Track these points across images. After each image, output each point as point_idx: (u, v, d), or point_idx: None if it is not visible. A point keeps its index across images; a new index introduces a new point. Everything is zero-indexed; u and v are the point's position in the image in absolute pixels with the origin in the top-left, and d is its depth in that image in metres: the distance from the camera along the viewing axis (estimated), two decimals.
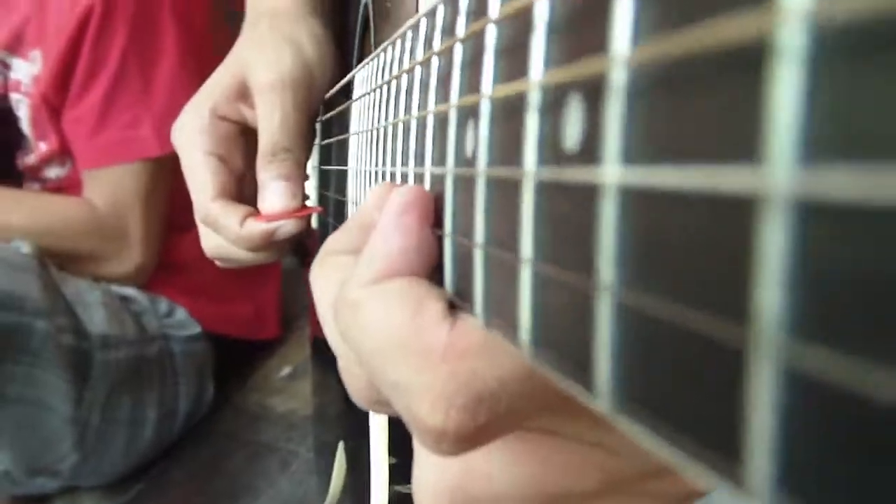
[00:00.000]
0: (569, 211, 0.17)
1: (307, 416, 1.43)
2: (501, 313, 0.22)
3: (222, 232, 0.65)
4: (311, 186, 0.89)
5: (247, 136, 0.68)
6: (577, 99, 0.17)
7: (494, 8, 0.23)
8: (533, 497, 0.28)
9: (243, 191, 0.68)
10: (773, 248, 0.10)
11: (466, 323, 0.26)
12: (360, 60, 0.73)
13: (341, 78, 0.69)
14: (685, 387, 0.13)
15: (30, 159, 1.54)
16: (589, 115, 0.16)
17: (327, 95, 0.72)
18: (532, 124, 0.20)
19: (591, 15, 0.16)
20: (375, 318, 0.27)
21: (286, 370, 1.59)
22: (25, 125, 1.53)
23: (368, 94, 0.49)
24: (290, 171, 0.64)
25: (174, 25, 1.43)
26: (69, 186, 1.50)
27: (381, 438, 0.59)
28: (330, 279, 0.34)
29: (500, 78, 0.23)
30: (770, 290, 0.10)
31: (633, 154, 0.14)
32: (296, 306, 1.64)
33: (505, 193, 0.22)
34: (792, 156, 0.10)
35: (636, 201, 0.14)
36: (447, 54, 0.29)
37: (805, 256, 0.10)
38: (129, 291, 1.45)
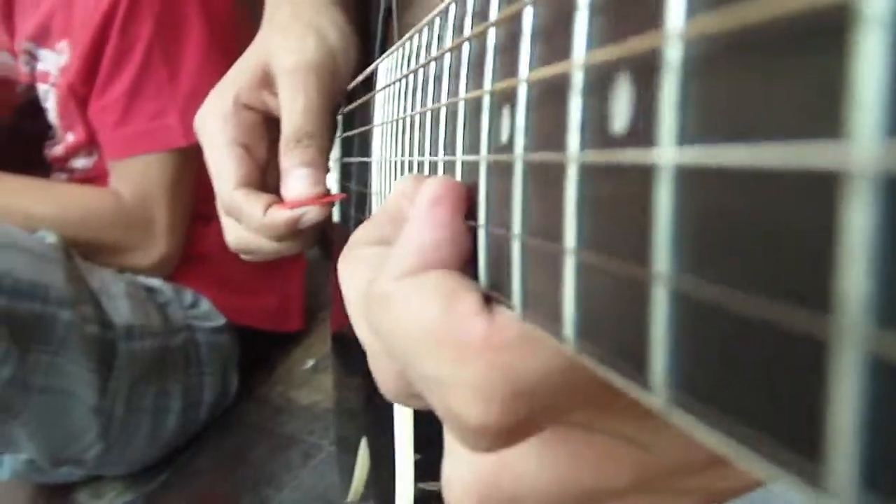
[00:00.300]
0: (618, 195, 0.16)
1: (330, 409, 1.43)
2: (541, 305, 0.22)
3: (245, 221, 0.64)
4: (332, 179, 0.89)
5: (270, 124, 0.68)
6: (625, 79, 0.16)
7: None
8: (565, 492, 0.28)
9: (267, 180, 0.67)
10: (859, 228, 0.10)
11: (503, 315, 0.25)
12: (382, 50, 0.73)
13: (363, 67, 0.68)
14: (756, 380, 0.12)
15: (57, 150, 1.55)
16: (640, 96, 0.16)
17: (349, 87, 0.71)
18: (575, 107, 0.19)
19: None
20: (408, 311, 0.26)
21: (310, 362, 1.59)
22: (53, 116, 1.53)
23: (393, 84, 0.48)
24: (314, 157, 0.64)
25: (199, 15, 1.43)
26: (96, 177, 1.50)
27: (406, 435, 0.58)
28: (358, 270, 0.33)
29: (538, 61, 0.22)
30: (856, 275, 0.10)
31: (692, 134, 0.14)
32: (320, 298, 1.64)
33: (545, 180, 0.21)
34: (878, 129, 0.09)
35: (697, 183, 0.13)
36: (480, 39, 0.28)
37: (893, 237, 0.09)
38: (154, 282, 1.46)
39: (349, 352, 0.89)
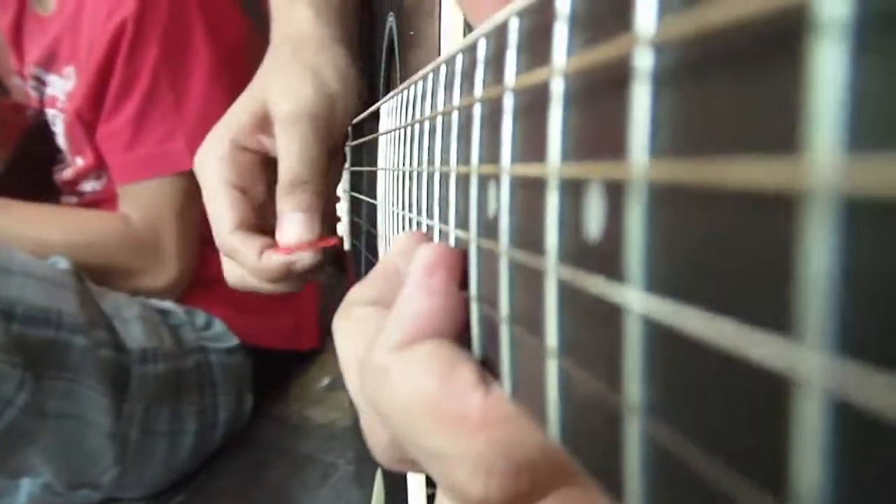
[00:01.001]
0: (592, 318, 0.16)
1: (347, 427, 1.43)
2: (529, 397, 0.21)
3: (241, 263, 0.65)
4: (342, 210, 0.89)
5: (268, 165, 0.68)
6: (597, 192, 0.16)
7: (511, 72, 0.22)
8: None
9: (265, 220, 0.67)
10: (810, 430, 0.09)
11: (499, 388, 0.25)
12: (386, 86, 0.73)
13: (366, 103, 0.68)
14: None
15: (66, 174, 1.55)
16: (610, 209, 0.15)
17: (356, 120, 0.71)
18: (553, 204, 0.18)
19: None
20: (405, 384, 0.26)
21: (326, 380, 1.58)
22: (61, 140, 1.54)
23: (394, 130, 0.48)
24: (309, 202, 0.64)
25: (206, 39, 1.43)
26: (105, 200, 1.50)
27: None
28: (352, 330, 0.34)
29: (518, 146, 0.22)
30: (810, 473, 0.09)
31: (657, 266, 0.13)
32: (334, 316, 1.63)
33: (528, 276, 0.20)
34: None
35: (667, 337, 0.13)
36: (466, 109, 0.27)
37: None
38: (167, 305, 1.45)
39: None
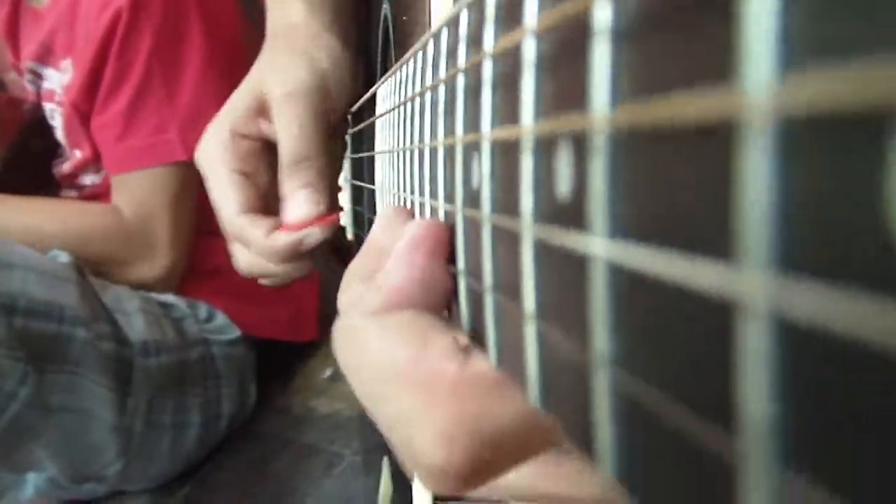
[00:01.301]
0: (562, 269, 0.16)
1: (351, 417, 1.43)
2: (511, 364, 0.21)
3: (250, 246, 0.65)
4: (344, 199, 0.89)
5: (270, 151, 0.68)
6: (566, 148, 0.16)
7: (489, 40, 0.22)
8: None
9: (269, 207, 0.67)
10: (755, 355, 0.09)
11: (479, 361, 0.25)
12: (383, 73, 0.73)
13: (363, 91, 0.68)
14: (679, 481, 0.12)
15: (65, 167, 1.55)
16: (577, 164, 0.15)
17: (354, 108, 0.71)
18: (527, 166, 0.18)
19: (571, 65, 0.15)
20: (375, 347, 0.27)
21: (328, 371, 1.59)
22: (60, 134, 1.54)
23: (388, 112, 0.48)
24: (312, 179, 0.64)
25: (201, 32, 1.43)
26: (105, 193, 1.50)
27: None
28: (344, 305, 0.34)
29: (496, 115, 0.22)
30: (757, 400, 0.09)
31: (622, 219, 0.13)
32: (336, 306, 1.63)
33: (507, 241, 0.21)
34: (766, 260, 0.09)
35: (628, 280, 0.13)
36: (450, 83, 0.28)
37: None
38: (168, 298, 1.46)
39: None
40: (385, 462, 0.81)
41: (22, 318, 1.18)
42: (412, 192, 0.38)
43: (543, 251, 0.17)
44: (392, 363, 0.25)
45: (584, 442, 0.15)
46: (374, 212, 0.69)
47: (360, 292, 0.32)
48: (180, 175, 1.41)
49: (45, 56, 1.51)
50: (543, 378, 0.18)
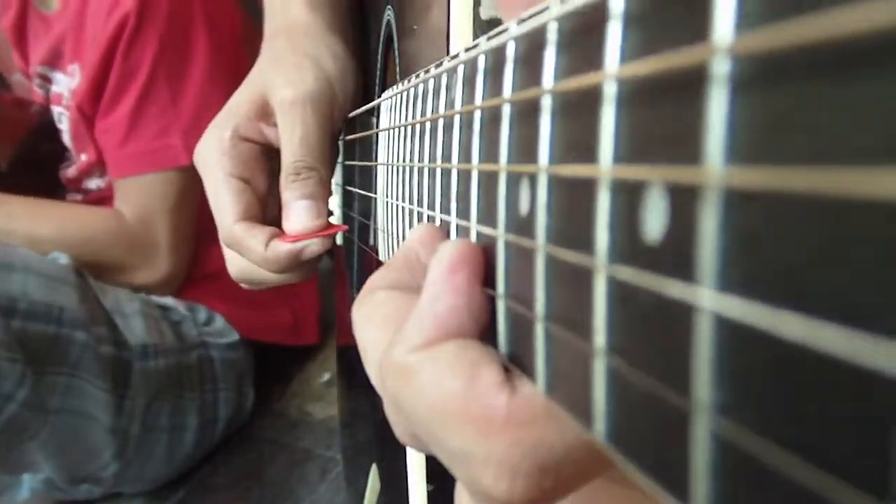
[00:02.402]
0: (650, 317, 0.16)
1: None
2: (569, 395, 0.21)
3: (247, 254, 0.64)
4: (334, 203, 0.89)
5: (270, 156, 0.67)
6: (660, 195, 0.16)
7: (549, 72, 0.22)
8: None
9: (267, 212, 0.67)
10: None
11: (526, 388, 0.25)
12: (382, 79, 0.73)
13: (362, 94, 0.68)
14: None
15: (71, 171, 1.55)
16: (676, 211, 0.15)
17: (350, 115, 0.71)
18: (604, 205, 0.18)
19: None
20: (429, 385, 0.26)
21: (326, 376, 1.59)
22: (67, 138, 1.54)
23: (399, 127, 0.48)
24: (314, 189, 0.63)
25: (205, 37, 1.43)
26: (109, 197, 1.50)
27: (419, 465, 0.58)
28: (374, 315, 0.33)
29: (560, 147, 0.22)
30: None
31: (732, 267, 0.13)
32: (334, 311, 1.63)
33: (571, 274, 0.20)
34: None
35: (740, 334, 0.13)
36: (494, 108, 0.27)
37: None
38: (168, 301, 1.46)
39: (357, 370, 0.89)
40: (373, 468, 0.81)
41: (21, 319, 1.17)
42: (430, 208, 0.38)
43: (622, 291, 0.17)
44: (444, 402, 0.25)
45: (674, 485, 0.15)
46: (365, 216, 0.69)
47: (389, 298, 0.32)
48: (183, 180, 1.41)
49: (54, 60, 1.52)
50: (614, 415, 0.18)
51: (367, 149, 0.69)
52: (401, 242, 0.48)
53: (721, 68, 0.13)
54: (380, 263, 0.53)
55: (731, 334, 0.13)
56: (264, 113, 0.67)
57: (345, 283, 0.92)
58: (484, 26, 0.47)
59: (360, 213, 0.73)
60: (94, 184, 1.55)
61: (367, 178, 0.67)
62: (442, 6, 0.50)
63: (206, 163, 0.67)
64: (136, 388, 1.32)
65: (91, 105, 1.44)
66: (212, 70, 1.43)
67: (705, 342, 0.14)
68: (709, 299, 0.13)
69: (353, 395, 0.93)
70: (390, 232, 0.52)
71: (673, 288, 0.15)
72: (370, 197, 0.64)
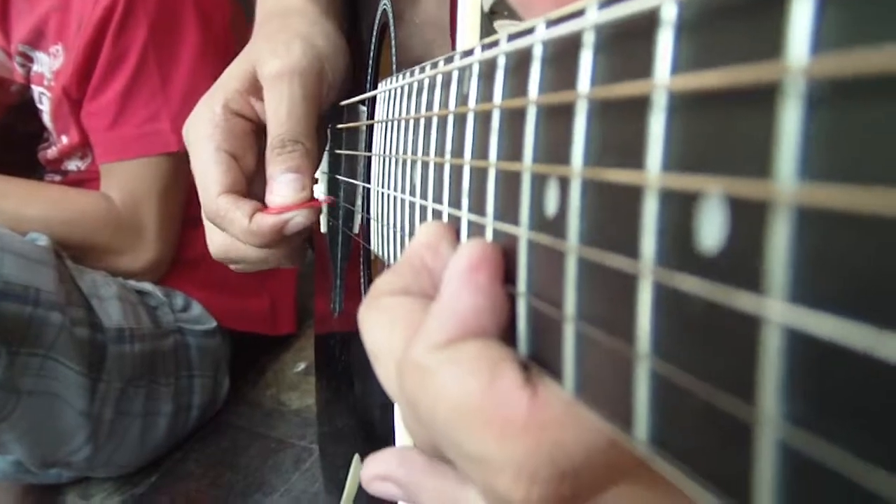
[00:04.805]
0: (704, 327, 0.16)
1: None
2: (602, 397, 0.21)
3: (230, 228, 0.63)
4: (319, 191, 0.88)
5: (259, 134, 0.67)
6: (719, 206, 0.16)
7: (585, 76, 0.22)
8: None
9: (253, 192, 0.66)
10: None
11: (547, 390, 0.24)
12: (376, 68, 0.72)
13: (353, 76, 0.67)
14: None
15: (51, 152, 1.54)
16: (737, 223, 0.15)
17: (342, 103, 0.71)
18: (651, 212, 0.18)
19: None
20: (449, 385, 0.25)
21: (301, 365, 1.58)
22: (47, 118, 1.52)
23: (400, 119, 0.47)
24: (300, 162, 0.63)
25: (194, 21, 1.42)
26: (89, 179, 1.50)
27: None
28: (382, 320, 0.32)
29: (597, 150, 0.22)
30: None
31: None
32: (311, 301, 1.63)
33: (609, 277, 0.20)
34: None
35: (812, 347, 0.13)
36: (515, 108, 0.27)
37: None
38: (145, 286, 1.45)
39: (334, 360, 0.89)
40: (356, 459, 0.81)
41: None
42: (437, 202, 0.38)
43: (670, 297, 0.17)
44: (464, 403, 0.25)
45: (734, 493, 0.15)
46: (351, 203, 0.68)
47: (409, 313, 0.31)
48: (171, 165, 1.40)
49: (37, 40, 1.50)
50: (659, 421, 0.18)
51: (355, 137, 0.68)
52: (398, 233, 0.48)
53: (796, 86, 0.13)
54: (376, 258, 0.53)
55: (802, 346, 0.13)
56: (254, 87, 0.67)
57: (325, 271, 0.92)
58: (485, 18, 0.47)
59: (346, 201, 0.73)
60: (73, 165, 1.53)
61: (355, 167, 0.67)
62: None
63: (196, 136, 0.67)
64: (110, 371, 1.31)
65: (78, 88, 1.42)
66: (201, 55, 1.43)
67: (774, 353, 0.14)
68: (779, 311, 0.14)
69: (333, 384, 0.93)
70: (386, 222, 0.52)
71: (738, 299, 0.15)
72: (358, 186, 0.64)
